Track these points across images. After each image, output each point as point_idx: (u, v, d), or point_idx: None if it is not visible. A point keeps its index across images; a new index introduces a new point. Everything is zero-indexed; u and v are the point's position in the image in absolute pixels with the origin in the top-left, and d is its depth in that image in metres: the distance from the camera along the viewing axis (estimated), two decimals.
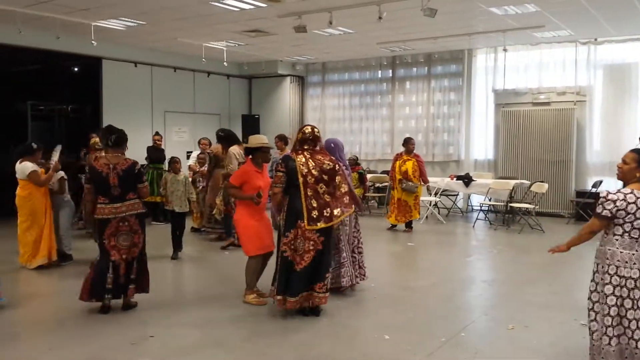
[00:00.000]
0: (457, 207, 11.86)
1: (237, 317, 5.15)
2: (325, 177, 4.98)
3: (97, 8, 8.40)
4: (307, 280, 4.96)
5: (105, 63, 11.46)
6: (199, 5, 8.30)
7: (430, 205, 10.96)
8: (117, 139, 5.29)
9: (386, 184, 11.65)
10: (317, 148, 5.14)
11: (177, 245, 7.57)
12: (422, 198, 10.92)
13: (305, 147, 5.10)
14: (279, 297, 4.99)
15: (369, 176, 12.01)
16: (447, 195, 11.56)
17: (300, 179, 4.91)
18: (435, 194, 11.13)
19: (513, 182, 10.26)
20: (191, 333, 4.78)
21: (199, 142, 10.04)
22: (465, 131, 12.63)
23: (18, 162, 6.83)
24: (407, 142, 9.80)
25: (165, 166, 10.57)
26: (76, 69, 13.06)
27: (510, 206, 10.22)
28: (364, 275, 6.04)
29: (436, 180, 11.20)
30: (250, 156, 5.51)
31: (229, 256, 7.67)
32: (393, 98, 13.62)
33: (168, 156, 10.47)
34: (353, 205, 5.23)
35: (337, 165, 5.08)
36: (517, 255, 7.97)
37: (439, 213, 11.15)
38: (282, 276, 4.98)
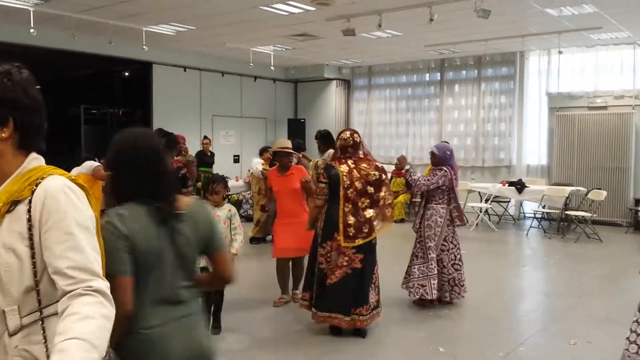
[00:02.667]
0: (508, 215, 11.50)
1: (289, 323, 5.07)
2: (371, 189, 4.64)
3: (148, 13, 8.51)
4: (340, 299, 4.57)
5: (156, 68, 11.63)
6: (247, 10, 8.30)
7: (480, 212, 10.67)
8: (167, 143, 5.40)
9: None
10: (360, 154, 4.78)
11: (215, 321, 4.93)
12: (472, 204, 10.69)
13: (347, 155, 4.73)
14: (313, 310, 4.77)
15: None
16: (498, 202, 11.23)
17: (342, 191, 4.56)
18: (486, 201, 10.83)
19: (569, 189, 9.86)
20: (241, 338, 4.74)
21: (262, 153, 9.43)
22: (517, 135, 12.26)
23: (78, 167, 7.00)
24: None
25: (214, 170, 10.65)
26: (128, 74, 13.32)
27: (566, 214, 9.84)
28: (460, 293, 5.59)
29: (487, 186, 10.90)
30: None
31: None
32: (441, 101, 13.35)
33: (217, 161, 10.53)
34: (392, 220, 4.99)
35: (383, 175, 4.74)
36: (575, 266, 7.63)
37: (489, 220, 10.84)
38: (317, 288, 4.75)
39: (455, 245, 5.56)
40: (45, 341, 1.46)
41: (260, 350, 4.50)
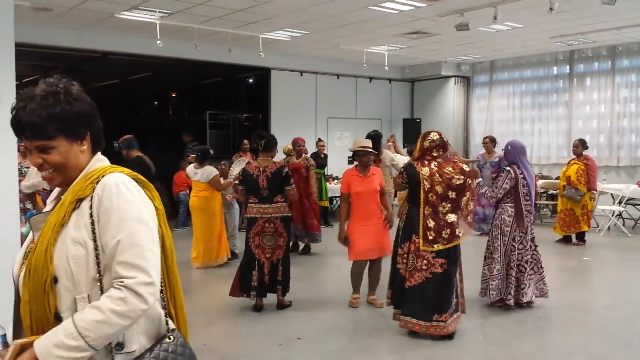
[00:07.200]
0: None
1: (383, 327, 4.96)
2: (452, 195, 4.47)
3: (264, 20, 8.84)
4: (421, 304, 4.46)
5: (274, 73, 12.05)
6: (357, 11, 8.32)
7: (613, 215, 9.74)
8: (266, 144, 5.59)
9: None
10: (447, 155, 4.62)
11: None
12: (603, 207, 9.81)
13: (434, 156, 4.60)
14: (394, 311, 4.80)
15: (540, 182, 11.08)
16: (634, 205, 10.19)
17: (422, 195, 4.47)
18: (620, 203, 9.86)
19: None
20: (338, 338, 4.74)
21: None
22: None
23: (194, 165, 7.32)
24: (574, 145, 8.83)
25: (327, 171, 10.80)
26: (249, 80, 13.93)
27: None
28: (519, 297, 5.34)
29: (620, 188, 9.93)
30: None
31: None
32: (571, 96, 12.42)
33: (332, 163, 10.62)
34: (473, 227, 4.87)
35: (469, 180, 4.55)
36: None
37: (623, 225, 9.85)
38: (395, 288, 4.76)
39: (525, 247, 5.29)
40: None
41: (358, 353, 4.47)
